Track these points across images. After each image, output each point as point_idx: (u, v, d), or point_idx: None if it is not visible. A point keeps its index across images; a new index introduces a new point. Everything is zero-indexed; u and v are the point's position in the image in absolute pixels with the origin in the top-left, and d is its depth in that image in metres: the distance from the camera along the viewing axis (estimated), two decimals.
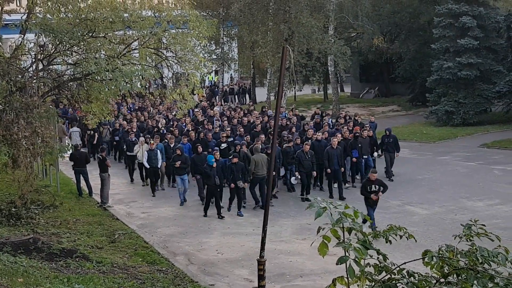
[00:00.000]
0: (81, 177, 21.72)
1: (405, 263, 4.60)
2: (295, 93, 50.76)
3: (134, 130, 26.59)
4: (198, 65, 18.13)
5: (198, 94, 24.62)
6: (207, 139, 23.67)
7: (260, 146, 21.14)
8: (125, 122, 28.31)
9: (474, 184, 22.33)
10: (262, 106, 35.36)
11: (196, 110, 31.89)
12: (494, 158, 26.61)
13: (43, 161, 20.23)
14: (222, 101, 46.14)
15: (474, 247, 4.75)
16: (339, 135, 22.87)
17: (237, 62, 51.90)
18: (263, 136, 23.46)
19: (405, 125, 36.22)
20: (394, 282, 4.90)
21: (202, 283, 13.59)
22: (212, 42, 45.59)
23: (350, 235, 4.61)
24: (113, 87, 17.00)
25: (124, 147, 26.07)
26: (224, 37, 47.30)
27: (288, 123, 27.11)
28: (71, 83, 17.61)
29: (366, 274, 4.95)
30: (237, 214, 19.59)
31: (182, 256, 15.76)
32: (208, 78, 53.89)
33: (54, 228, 17.15)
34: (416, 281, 4.84)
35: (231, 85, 53.78)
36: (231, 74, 55.96)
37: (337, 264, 4.47)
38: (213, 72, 53.15)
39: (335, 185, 21.71)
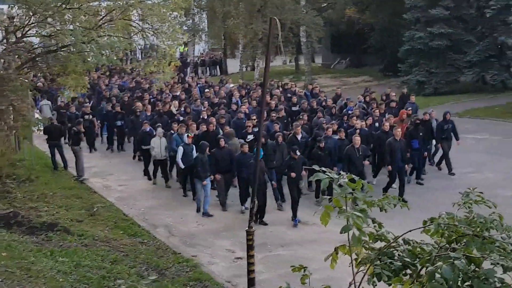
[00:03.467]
0: (56, 151, 21.50)
1: (410, 230, 4.68)
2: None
3: (149, 113, 23.13)
4: (174, 36, 17.99)
5: (173, 65, 23.28)
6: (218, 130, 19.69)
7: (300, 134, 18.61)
8: (140, 103, 23.97)
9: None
10: (283, 84, 30.77)
11: (206, 90, 28.11)
12: (466, 127, 26.93)
13: (16, 135, 19.98)
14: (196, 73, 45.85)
15: (472, 214, 4.86)
16: (386, 123, 19.26)
17: (207, 34, 51.53)
18: (300, 122, 19.96)
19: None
20: (390, 250, 4.99)
21: (185, 254, 13.71)
22: (182, 13, 45.15)
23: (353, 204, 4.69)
24: (89, 59, 16.79)
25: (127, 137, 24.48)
26: (194, 8, 46.86)
27: (319, 106, 23.14)
28: (47, 55, 17.36)
29: (363, 242, 5.03)
30: (295, 222, 16.04)
31: (163, 228, 15.82)
32: (179, 49, 53.45)
33: (32, 202, 16.99)
34: (411, 248, 4.95)
35: (202, 57, 53.44)
36: (203, 47, 55.48)
37: (341, 233, 4.53)
38: (183, 44, 52.66)
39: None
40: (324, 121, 20.08)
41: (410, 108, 21.96)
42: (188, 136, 18.46)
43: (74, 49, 16.18)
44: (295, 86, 30.09)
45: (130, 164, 22.55)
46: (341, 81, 43.75)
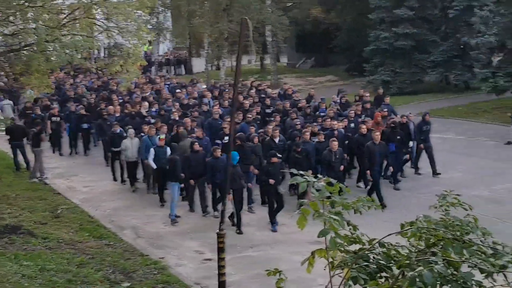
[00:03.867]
0: (18, 151, 21.04)
1: (389, 234, 4.63)
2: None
3: (117, 114, 22.48)
4: (140, 35, 17.73)
5: (138, 65, 22.07)
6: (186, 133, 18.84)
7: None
8: (111, 107, 23.08)
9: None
10: (258, 84, 30.31)
11: (178, 90, 27.64)
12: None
13: None
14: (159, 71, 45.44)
15: (447, 217, 4.82)
16: (363, 126, 18.62)
17: (171, 32, 51.23)
18: (273, 124, 19.35)
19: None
20: (366, 252, 4.93)
21: (152, 256, 13.53)
22: (146, 12, 44.76)
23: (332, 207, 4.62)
24: (52, 58, 16.46)
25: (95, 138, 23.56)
26: (159, 7, 46.50)
27: (293, 108, 22.60)
28: (9, 54, 16.97)
29: (338, 245, 4.96)
30: (272, 229, 15.42)
31: (129, 229, 15.59)
32: (143, 48, 53.03)
33: None
34: (386, 251, 4.90)
35: (167, 56, 53.08)
36: (168, 45, 55.16)
37: (318, 236, 4.46)
38: (147, 42, 52.28)
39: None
40: (298, 122, 19.63)
41: (385, 110, 21.56)
42: (159, 138, 17.73)
43: (37, 48, 15.81)
44: (267, 86, 29.77)
45: (94, 165, 22.20)
46: (307, 80, 43.87)
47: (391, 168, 18.06)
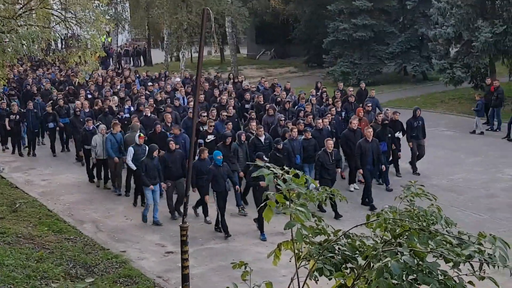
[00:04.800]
0: None
1: (356, 226, 4.63)
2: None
3: (87, 110, 21.15)
4: (98, 26, 17.45)
5: (96, 56, 21.00)
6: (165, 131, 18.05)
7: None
8: (78, 102, 21.97)
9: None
10: (234, 76, 29.66)
11: (149, 84, 26.57)
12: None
13: None
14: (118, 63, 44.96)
15: (412, 207, 4.84)
16: (353, 121, 17.54)
17: (130, 23, 50.67)
18: (254, 122, 18.26)
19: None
20: (331, 244, 4.93)
21: (113, 250, 13.36)
22: (104, 2, 44.19)
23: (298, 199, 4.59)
24: (9, 50, 16.11)
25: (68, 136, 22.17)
26: None
27: (269, 102, 21.65)
28: None
29: (304, 236, 4.95)
30: (263, 237, 14.01)
31: (90, 223, 15.38)
32: (101, 39, 52.35)
33: None
34: (351, 241, 4.91)
35: (126, 47, 52.54)
36: (126, 36, 54.55)
37: (285, 229, 4.44)
38: (106, 33, 51.64)
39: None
40: (283, 118, 18.82)
41: (369, 104, 20.85)
42: (139, 136, 16.53)
43: None
44: (244, 78, 29.43)
45: (53, 158, 21.89)
46: (267, 72, 43.87)
47: (383, 167, 16.99)
